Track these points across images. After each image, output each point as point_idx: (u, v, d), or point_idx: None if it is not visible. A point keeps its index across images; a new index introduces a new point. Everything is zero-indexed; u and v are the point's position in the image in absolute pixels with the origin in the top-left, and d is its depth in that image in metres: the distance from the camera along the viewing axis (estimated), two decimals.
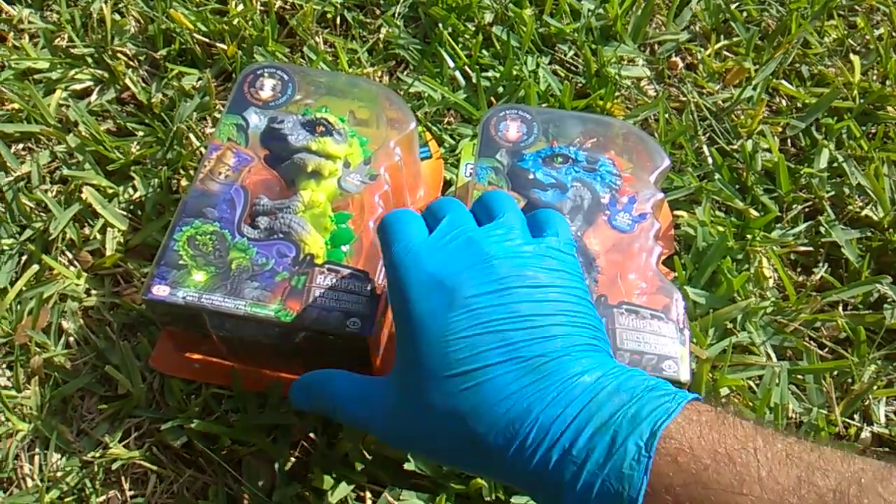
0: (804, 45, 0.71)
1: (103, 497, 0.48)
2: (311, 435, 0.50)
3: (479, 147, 0.51)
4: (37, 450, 0.49)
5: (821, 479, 0.28)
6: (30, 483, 0.49)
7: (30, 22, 0.70)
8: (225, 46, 0.67)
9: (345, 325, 0.43)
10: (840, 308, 0.57)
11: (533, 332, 0.33)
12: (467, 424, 0.32)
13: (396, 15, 0.71)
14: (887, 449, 0.52)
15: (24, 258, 0.57)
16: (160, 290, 0.44)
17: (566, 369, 0.32)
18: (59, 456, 0.49)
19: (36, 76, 0.66)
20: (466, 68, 0.67)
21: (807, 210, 0.62)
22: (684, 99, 0.67)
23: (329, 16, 0.71)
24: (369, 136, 0.52)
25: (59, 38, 0.69)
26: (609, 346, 0.36)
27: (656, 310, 0.44)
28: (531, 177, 0.49)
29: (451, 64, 0.67)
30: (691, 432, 0.30)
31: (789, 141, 0.66)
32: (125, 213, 0.59)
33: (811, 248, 0.60)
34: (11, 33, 0.69)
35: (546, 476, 0.31)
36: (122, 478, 0.49)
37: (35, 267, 0.56)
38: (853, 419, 0.53)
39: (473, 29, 0.70)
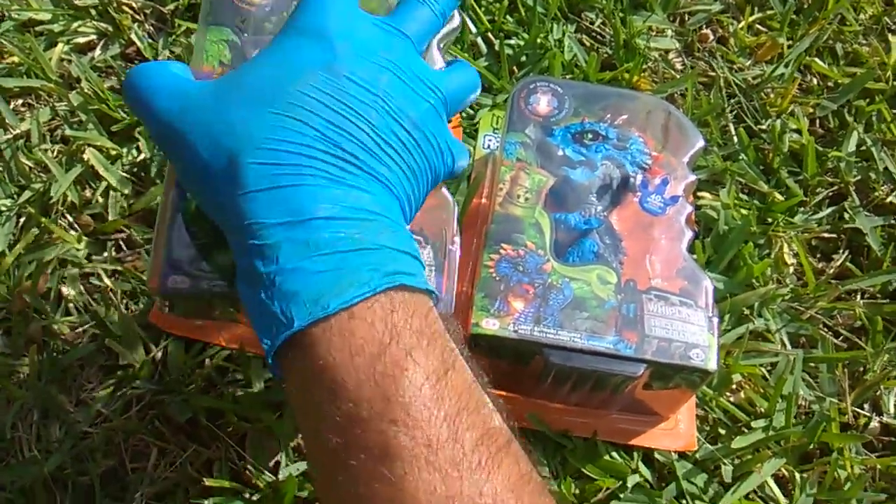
0: (840, 22, 0.68)
1: (104, 468, 0.47)
2: None
3: (508, 120, 0.49)
4: (34, 419, 0.48)
5: (476, 418, 0.30)
6: (27, 453, 0.47)
7: None
8: None
9: None
10: (858, 297, 0.56)
11: (362, 133, 0.33)
12: (241, 146, 0.32)
13: None
14: (894, 439, 0.52)
15: (22, 220, 0.55)
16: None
17: (367, 174, 0.33)
18: (59, 426, 0.48)
19: (37, 28, 0.63)
20: (489, 34, 0.64)
21: (831, 195, 0.60)
22: (713, 74, 0.64)
23: None
24: None
25: None
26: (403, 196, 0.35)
27: (685, 297, 0.42)
28: (560, 153, 0.47)
29: (473, 29, 0.64)
30: (414, 306, 0.31)
31: (818, 122, 0.64)
32: (129, 175, 0.57)
33: (833, 235, 0.59)
34: None
35: (269, 235, 0.31)
36: (123, 450, 0.48)
37: (34, 230, 0.54)
38: (863, 409, 0.52)
39: None
